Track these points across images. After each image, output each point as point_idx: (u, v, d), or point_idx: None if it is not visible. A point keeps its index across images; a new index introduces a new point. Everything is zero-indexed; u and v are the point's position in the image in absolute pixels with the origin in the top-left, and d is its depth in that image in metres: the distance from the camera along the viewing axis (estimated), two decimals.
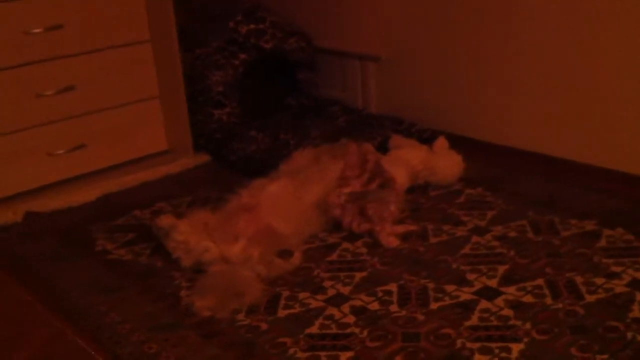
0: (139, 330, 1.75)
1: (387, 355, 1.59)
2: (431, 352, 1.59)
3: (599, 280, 1.82)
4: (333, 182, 2.21)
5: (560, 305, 1.73)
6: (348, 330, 1.70)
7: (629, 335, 1.59)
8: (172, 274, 2.01)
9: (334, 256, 2.07)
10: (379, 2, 2.92)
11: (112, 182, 2.65)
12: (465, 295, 1.81)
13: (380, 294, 1.84)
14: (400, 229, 2.15)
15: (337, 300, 1.83)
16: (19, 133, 2.47)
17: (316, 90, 3.20)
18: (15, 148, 2.46)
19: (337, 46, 3.11)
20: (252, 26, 2.95)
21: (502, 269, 1.91)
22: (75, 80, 2.55)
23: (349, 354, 1.61)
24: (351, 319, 1.74)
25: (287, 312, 1.80)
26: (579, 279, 1.83)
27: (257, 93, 3.08)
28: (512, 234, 2.11)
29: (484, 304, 1.76)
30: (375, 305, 1.79)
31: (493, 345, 1.60)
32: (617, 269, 1.86)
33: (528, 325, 1.65)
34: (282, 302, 1.84)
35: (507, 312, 1.72)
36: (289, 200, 2.13)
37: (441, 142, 2.58)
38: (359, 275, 1.95)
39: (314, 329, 1.71)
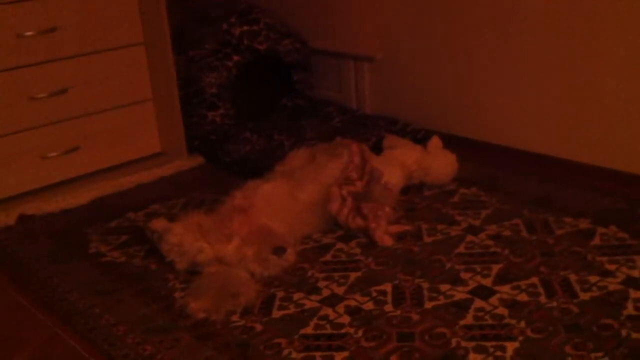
0: (134, 332, 1.75)
1: (382, 355, 1.59)
2: (426, 351, 1.59)
3: (593, 279, 1.82)
4: (329, 181, 2.21)
5: (555, 304, 1.73)
6: (343, 331, 1.69)
7: (624, 332, 1.59)
8: (166, 275, 2.01)
9: (328, 256, 2.07)
10: (373, 3, 2.92)
11: (106, 185, 2.64)
12: (459, 294, 1.81)
13: (374, 294, 1.84)
14: (395, 228, 2.15)
15: (332, 300, 1.83)
16: (13, 136, 2.46)
17: (311, 91, 3.20)
18: (9, 151, 2.46)
19: (332, 47, 3.11)
20: (245, 28, 2.94)
21: (496, 268, 1.91)
22: (68, 83, 2.55)
23: (344, 354, 1.61)
24: (346, 319, 1.74)
25: (281, 312, 1.79)
26: (573, 278, 1.84)
27: (251, 94, 3.08)
28: (507, 233, 2.11)
29: (478, 303, 1.76)
30: (369, 305, 1.79)
31: (488, 344, 1.60)
32: (611, 267, 1.87)
33: (523, 324, 1.66)
34: (277, 302, 1.84)
35: (502, 310, 1.72)
36: (283, 200, 2.13)
37: (435, 142, 2.58)
38: (353, 276, 1.95)
39: (308, 330, 1.71)
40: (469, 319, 1.70)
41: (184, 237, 1.96)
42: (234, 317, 1.78)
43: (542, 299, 1.75)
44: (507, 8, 2.49)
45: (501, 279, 1.86)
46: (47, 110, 2.52)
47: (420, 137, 2.71)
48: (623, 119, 2.30)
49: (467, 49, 2.66)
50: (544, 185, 2.41)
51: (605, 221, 2.11)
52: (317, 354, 1.61)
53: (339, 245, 2.13)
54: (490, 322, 1.68)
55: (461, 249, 2.04)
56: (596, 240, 2.02)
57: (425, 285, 1.86)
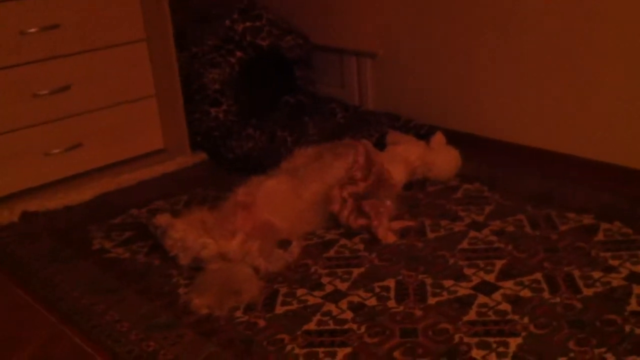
0: (137, 328, 1.75)
1: (385, 351, 1.59)
2: (429, 347, 1.59)
3: (597, 274, 1.82)
4: (333, 180, 2.20)
5: (558, 300, 1.73)
6: (346, 327, 1.70)
7: (627, 328, 1.59)
8: (169, 272, 2.01)
9: (331, 252, 2.07)
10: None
11: (108, 181, 2.64)
12: (463, 290, 1.81)
13: (377, 290, 1.84)
14: (398, 224, 2.15)
15: (335, 296, 1.83)
16: (16, 133, 2.46)
17: (313, 87, 3.19)
18: (12, 148, 2.46)
19: (334, 43, 3.10)
20: (248, 24, 2.94)
21: (499, 264, 1.91)
22: (71, 80, 2.55)
23: (347, 350, 1.61)
24: (349, 315, 1.74)
25: (284, 308, 1.79)
26: (576, 273, 1.83)
27: (254, 91, 3.08)
28: (510, 228, 2.11)
29: (481, 298, 1.76)
30: (373, 301, 1.79)
31: (491, 339, 1.60)
32: (615, 263, 1.86)
33: (526, 320, 1.65)
34: (280, 298, 1.84)
35: (505, 306, 1.72)
36: (286, 197, 2.12)
37: (438, 138, 2.57)
38: (356, 272, 1.95)
39: (311, 326, 1.71)
40: (472, 315, 1.70)
41: (187, 233, 1.96)
42: (238, 313, 1.78)
43: (546, 294, 1.75)
44: (509, 5, 2.48)
45: (504, 274, 1.86)
46: (50, 107, 2.52)
47: (423, 133, 2.71)
48: (625, 114, 2.29)
49: (469, 45, 2.65)
50: (547, 180, 2.40)
51: (609, 217, 2.11)
52: (320, 349, 1.61)
53: (343, 241, 2.13)
54: (493, 317, 1.68)
55: (464, 244, 2.04)
56: (600, 236, 2.01)
57: (429, 281, 1.86)
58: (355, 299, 1.81)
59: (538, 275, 1.84)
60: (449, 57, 2.73)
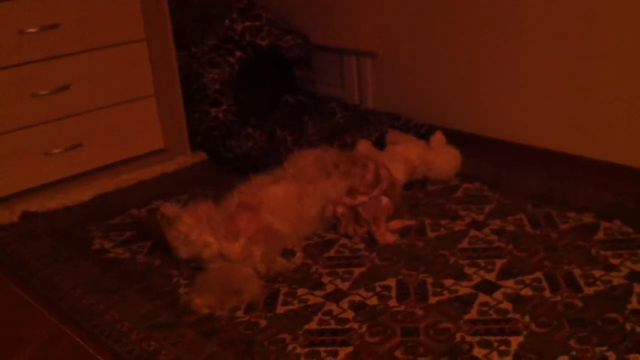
0: (138, 328, 1.75)
1: (386, 350, 1.59)
2: (430, 346, 1.59)
3: (597, 273, 1.82)
4: (338, 199, 2.20)
5: (559, 298, 1.73)
6: (347, 326, 1.69)
7: (628, 326, 1.59)
8: (170, 272, 2.01)
9: (332, 252, 2.07)
10: None
11: (108, 181, 2.64)
12: (463, 289, 1.81)
13: (378, 289, 1.84)
14: (398, 224, 2.15)
15: (336, 295, 1.83)
16: (15, 133, 2.46)
17: (313, 87, 3.19)
18: (12, 148, 2.46)
19: (334, 42, 3.10)
20: (247, 24, 2.94)
21: (500, 263, 1.91)
22: (71, 80, 2.55)
23: (349, 349, 1.61)
24: (350, 314, 1.74)
25: (285, 308, 1.79)
26: (577, 272, 1.83)
27: (253, 91, 3.08)
28: (510, 227, 2.11)
29: (482, 297, 1.76)
30: (374, 301, 1.79)
31: (492, 338, 1.60)
32: (615, 262, 1.87)
33: (527, 319, 1.66)
34: (281, 298, 1.84)
35: (506, 305, 1.72)
36: (293, 205, 2.11)
37: (438, 137, 2.57)
38: (357, 271, 1.94)
39: (313, 325, 1.71)
40: (473, 314, 1.70)
41: (192, 228, 1.95)
42: (239, 313, 1.78)
43: (546, 293, 1.75)
44: (509, 4, 2.48)
45: (505, 273, 1.86)
46: (49, 107, 2.52)
47: (423, 132, 2.71)
48: (625, 113, 2.30)
49: (469, 44, 2.65)
50: (547, 180, 2.40)
51: (609, 215, 2.11)
52: (322, 349, 1.61)
53: (343, 241, 2.13)
54: (494, 316, 1.68)
55: (465, 244, 2.04)
56: (600, 235, 2.01)
57: (429, 280, 1.86)
58: (356, 299, 1.81)
59: (539, 274, 1.84)
60: (449, 56, 2.73)
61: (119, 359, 1.65)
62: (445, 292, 1.80)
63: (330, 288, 1.87)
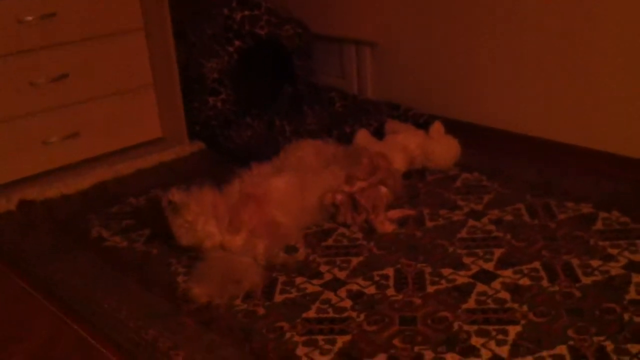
0: (137, 317, 1.75)
1: (384, 339, 1.59)
2: (429, 335, 1.59)
3: (595, 263, 1.82)
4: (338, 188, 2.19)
5: (557, 288, 1.73)
6: (345, 315, 1.70)
7: (626, 316, 1.59)
8: (168, 260, 2.01)
9: (330, 241, 2.07)
10: None
11: (106, 170, 2.64)
12: (461, 278, 1.81)
13: (377, 279, 1.84)
14: (397, 213, 2.15)
15: (334, 284, 1.83)
16: (13, 121, 2.45)
17: (312, 76, 3.18)
18: (10, 136, 2.45)
19: (333, 32, 3.09)
20: (246, 12, 2.93)
21: (498, 253, 1.91)
22: (69, 69, 2.54)
23: (346, 337, 1.61)
24: (348, 303, 1.74)
25: (283, 297, 1.79)
26: (575, 262, 1.84)
27: (252, 80, 3.07)
28: (509, 217, 2.10)
29: (480, 287, 1.76)
30: (372, 290, 1.79)
31: (490, 327, 1.60)
32: (613, 252, 1.87)
33: (525, 308, 1.66)
34: (279, 287, 1.84)
35: (504, 295, 1.72)
36: (294, 196, 2.11)
37: (437, 127, 2.57)
38: (355, 260, 1.94)
39: (310, 314, 1.71)
40: (471, 303, 1.70)
41: (198, 217, 1.95)
42: (237, 302, 1.78)
43: (545, 283, 1.75)
44: None
45: (503, 263, 1.86)
46: (47, 96, 2.51)
47: (422, 122, 2.70)
48: (624, 104, 2.29)
49: (469, 34, 2.64)
50: (546, 169, 2.40)
51: (608, 205, 2.11)
52: (320, 337, 1.61)
53: (341, 230, 2.13)
54: (492, 306, 1.68)
55: (463, 233, 2.04)
56: (598, 225, 2.01)
57: (428, 269, 1.86)
58: (354, 288, 1.81)
59: (537, 264, 1.84)
60: (449, 46, 2.72)
61: (117, 347, 1.65)
62: (444, 282, 1.80)
63: (328, 277, 1.87)
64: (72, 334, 1.72)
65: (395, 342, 1.58)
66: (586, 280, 1.75)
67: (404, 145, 2.46)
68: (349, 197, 2.16)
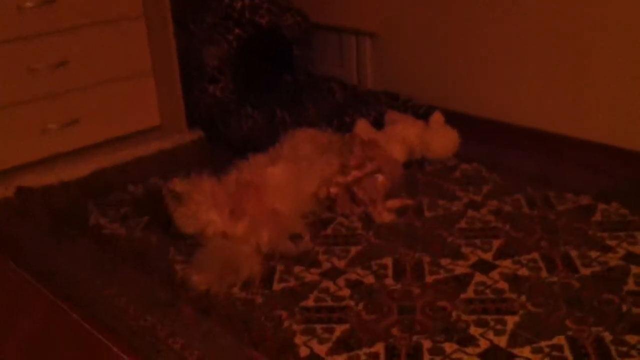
0: (135, 304, 1.75)
1: (383, 328, 1.59)
2: (427, 324, 1.59)
3: (594, 254, 1.83)
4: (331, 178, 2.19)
5: (556, 279, 1.73)
6: (344, 304, 1.70)
7: (624, 307, 1.60)
8: (167, 248, 2.00)
9: (329, 230, 2.07)
10: None
11: (105, 158, 2.63)
12: (460, 268, 1.81)
13: (375, 268, 1.84)
14: (396, 203, 2.15)
15: (332, 273, 1.83)
16: (12, 108, 2.44)
17: (311, 66, 3.17)
18: (8, 123, 2.44)
19: (333, 22, 3.08)
20: (247, 1, 2.92)
21: (497, 243, 1.91)
22: (68, 56, 2.53)
23: (345, 326, 1.61)
24: (346, 292, 1.74)
25: (282, 285, 1.79)
26: (574, 253, 1.84)
27: (252, 69, 3.06)
28: (507, 208, 2.11)
29: (479, 277, 1.76)
30: (370, 279, 1.79)
31: (489, 317, 1.60)
32: (612, 243, 1.87)
33: (523, 298, 1.66)
34: (277, 276, 1.84)
35: (503, 285, 1.72)
36: (291, 185, 2.11)
37: (437, 118, 2.56)
38: (354, 249, 1.94)
39: (309, 302, 1.71)
40: (469, 293, 1.70)
41: (200, 206, 1.94)
42: (235, 290, 1.78)
43: (543, 273, 1.76)
44: None
45: (502, 253, 1.86)
46: (46, 83, 2.50)
47: (422, 113, 2.70)
48: (623, 96, 2.29)
49: (468, 25, 2.64)
50: (545, 161, 2.40)
51: (607, 197, 2.11)
52: (318, 326, 1.61)
53: (340, 219, 2.13)
54: (490, 296, 1.68)
55: (462, 224, 2.04)
56: (597, 216, 2.02)
57: (426, 259, 1.86)
58: (353, 277, 1.81)
59: (535, 255, 1.84)
60: (448, 37, 2.72)
61: (116, 334, 1.65)
62: (442, 272, 1.80)
63: (326, 266, 1.87)
64: (70, 321, 1.72)
65: (394, 331, 1.58)
66: (585, 271, 1.75)
67: (403, 136, 2.45)
68: (344, 189, 2.15)
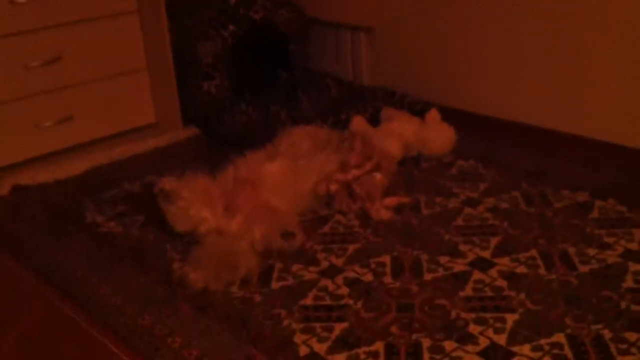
0: (132, 302, 1.74)
1: (381, 326, 1.59)
2: (426, 322, 1.59)
3: (592, 251, 1.83)
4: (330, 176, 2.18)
5: (554, 276, 1.73)
6: (342, 302, 1.69)
7: (623, 305, 1.60)
8: (164, 246, 1.99)
9: (326, 228, 2.06)
10: None
11: (100, 155, 2.62)
12: (458, 266, 1.81)
13: (373, 266, 1.84)
14: (393, 201, 2.15)
15: (331, 272, 1.83)
16: (6, 105, 2.42)
17: (307, 62, 3.16)
18: (2, 120, 2.42)
19: (328, 17, 3.07)
20: None
21: (495, 240, 1.91)
22: (62, 52, 2.51)
23: (344, 325, 1.60)
24: (345, 290, 1.74)
25: (280, 284, 1.79)
26: (571, 250, 1.84)
27: (247, 66, 3.05)
28: (505, 205, 2.11)
29: (477, 275, 1.76)
30: (369, 277, 1.79)
31: (487, 315, 1.60)
32: (610, 240, 1.87)
33: (522, 296, 1.66)
34: (276, 274, 1.84)
35: (501, 282, 1.72)
36: (288, 182, 2.10)
37: (433, 114, 2.56)
38: (351, 247, 1.94)
39: (308, 301, 1.71)
40: (468, 291, 1.70)
41: (191, 203, 1.94)
42: (233, 288, 1.78)
43: (541, 271, 1.76)
44: None
45: (500, 251, 1.86)
46: (41, 79, 2.48)
47: (418, 110, 2.69)
48: (620, 93, 2.29)
49: (465, 20, 2.63)
50: (542, 158, 2.40)
51: (604, 194, 2.11)
52: (317, 324, 1.61)
53: (337, 217, 2.12)
54: (489, 293, 1.68)
55: (459, 221, 2.04)
56: (594, 213, 2.02)
57: (424, 257, 1.86)
58: (351, 275, 1.81)
59: (533, 252, 1.84)
60: (445, 32, 2.71)
61: (113, 332, 1.64)
62: (440, 269, 1.80)
63: (325, 264, 1.87)
64: (68, 320, 1.71)
65: (393, 329, 1.58)
66: (583, 269, 1.75)
67: (400, 132, 2.45)
68: (343, 186, 2.15)
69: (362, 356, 1.50)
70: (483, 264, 1.81)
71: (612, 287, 1.67)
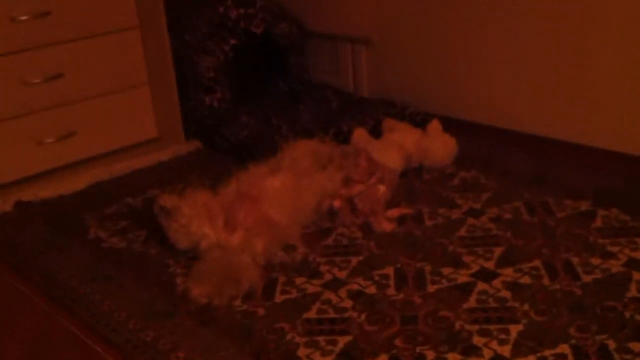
0: (135, 317, 1.74)
1: (385, 339, 1.58)
2: (430, 335, 1.59)
3: (596, 261, 1.82)
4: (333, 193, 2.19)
5: (558, 286, 1.72)
6: (346, 315, 1.69)
7: (627, 315, 1.59)
8: (167, 261, 1.99)
9: (329, 241, 2.06)
10: None
11: (103, 170, 2.62)
12: (462, 277, 1.80)
13: (377, 278, 1.84)
14: (396, 212, 2.14)
15: (334, 284, 1.82)
16: (8, 122, 2.43)
17: (307, 74, 3.17)
18: (5, 137, 2.43)
19: (328, 29, 3.08)
20: (242, 11, 2.92)
21: (498, 251, 1.91)
22: (63, 68, 2.52)
23: (348, 338, 1.60)
24: (349, 303, 1.74)
25: (284, 297, 1.79)
26: (575, 260, 1.83)
27: (248, 78, 3.06)
28: (508, 215, 2.10)
29: (481, 286, 1.76)
30: (372, 289, 1.79)
31: (492, 327, 1.59)
32: (614, 250, 1.87)
33: (526, 307, 1.65)
34: (279, 287, 1.83)
35: (505, 293, 1.72)
36: (290, 197, 2.10)
37: (435, 125, 2.56)
38: (355, 260, 1.94)
39: (311, 314, 1.70)
40: (472, 303, 1.69)
41: (192, 220, 1.94)
42: (237, 302, 1.77)
43: (545, 281, 1.75)
44: None
45: (504, 262, 1.86)
46: (43, 96, 2.49)
47: (419, 121, 2.70)
48: (621, 101, 2.29)
49: (465, 31, 2.64)
50: (544, 168, 2.40)
51: (607, 203, 2.11)
52: (321, 338, 1.61)
53: (340, 229, 2.12)
54: (493, 305, 1.68)
55: (463, 232, 2.03)
56: (598, 223, 2.01)
57: (428, 268, 1.86)
58: (355, 287, 1.80)
59: (537, 262, 1.84)
60: (445, 43, 2.72)
61: (116, 348, 1.64)
62: (444, 281, 1.80)
63: (328, 277, 1.86)
64: (68, 335, 1.71)
65: (397, 342, 1.57)
66: (587, 279, 1.75)
67: (401, 144, 2.45)
68: (346, 202, 2.15)
69: None
70: (487, 275, 1.80)
71: (617, 297, 1.66)
